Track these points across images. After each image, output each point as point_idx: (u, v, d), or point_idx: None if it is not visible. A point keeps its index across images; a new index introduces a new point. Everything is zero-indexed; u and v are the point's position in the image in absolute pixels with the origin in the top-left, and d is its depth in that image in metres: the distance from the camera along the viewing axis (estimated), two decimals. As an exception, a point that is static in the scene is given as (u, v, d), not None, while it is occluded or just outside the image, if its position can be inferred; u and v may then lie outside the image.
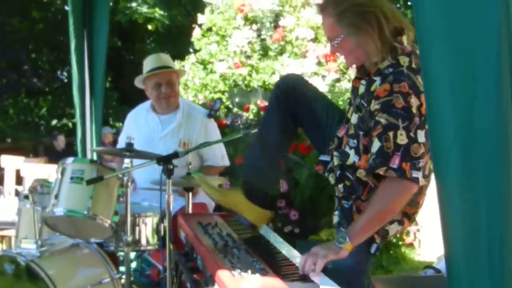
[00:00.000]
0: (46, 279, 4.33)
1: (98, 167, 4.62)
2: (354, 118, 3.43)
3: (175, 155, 4.15)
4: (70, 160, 4.72)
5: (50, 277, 4.34)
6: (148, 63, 5.75)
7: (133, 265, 6.45)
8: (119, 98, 21.38)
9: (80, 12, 7.04)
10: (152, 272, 6.32)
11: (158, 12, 17.40)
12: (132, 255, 6.33)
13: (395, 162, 3.05)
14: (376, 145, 3.13)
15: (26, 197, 5.16)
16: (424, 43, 2.40)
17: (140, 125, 5.84)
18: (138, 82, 5.81)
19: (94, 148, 7.08)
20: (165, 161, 4.12)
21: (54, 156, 13.60)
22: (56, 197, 4.55)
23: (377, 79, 3.28)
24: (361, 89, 3.42)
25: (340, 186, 3.49)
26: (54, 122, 23.07)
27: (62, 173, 4.63)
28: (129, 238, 4.61)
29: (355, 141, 3.40)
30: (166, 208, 4.17)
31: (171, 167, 4.11)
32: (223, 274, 2.82)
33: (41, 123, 23.53)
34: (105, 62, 7.15)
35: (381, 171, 3.09)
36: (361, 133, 3.33)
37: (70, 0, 7.02)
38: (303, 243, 6.25)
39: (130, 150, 4.71)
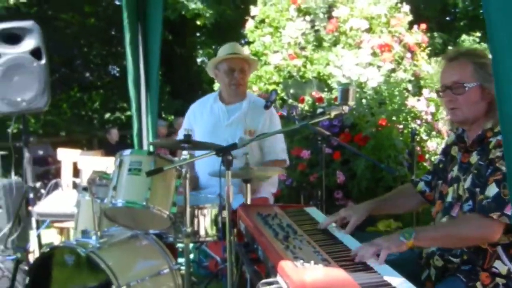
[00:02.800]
0: (107, 269, 4.36)
1: (156, 159, 4.62)
2: (467, 182, 3.41)
3: (234, 146, 4.13)
4: (128, 152, 4.74)
5: (110, 268, 4.37)
6: (224, 49, 5.86)
7: (191, 256, 6.47)
8: (170, 92, 21.51)
9: (134, 5, 7.07)
10: (210, 264, 6.34)
11: (205, 10, 17.44)
12: (191, 246, 6.37)
13: (509, 210, 3.08)
14: (493, 190, 3.17)
15: (85, 189, 5.21)
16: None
17: (205, 114, 5.90)
18: (209, 67, 5.89)
19: (152, 141, 7.10)
20: (224, 152, 4.10)
21: (108, 149, 13.73)
22: (115, 188, 4.57)
23: (493, 140, 3.31)
24: (474, 159, 3.43)
25: None
26: (107, 115, 23.30)
27: (120, 165, 4.64)
28: (188, 229, 4.61)
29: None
30: (225, 199, 4.14)
31: (230, 158, 4.09)
32: (285, 265, 2.80)
33: (94, 116, 23.78)
34: (159, 55, 7.16)
35: (494, 215, 3.12)
36: (477, 189, 3.32)
37: (124, -6, 7.05)
38: (361, 234, 6.20)
39: (188, 142, 4.70)
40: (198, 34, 22.28)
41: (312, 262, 2.78)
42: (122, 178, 4.61)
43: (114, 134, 16.39)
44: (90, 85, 23.06)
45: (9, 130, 6.66)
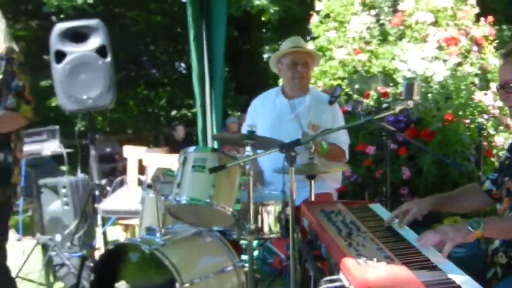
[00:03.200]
0: (171, 266, 4.37)
1: (220, 156, 4.62)
2: None
3: (297, 142, 4.10)
4: (192, 149, 4.75)
5: (174, 265, 4.38)
6: (286, 43, 5.84)
7: (255, 253, 6.46)
8: (236, 88, 21.57)
9: (198, 2, 7.11)
10: (275, 261, 6.32)
11: (269, 5, 17.44)
12: (255, 243, 6.37)
13: None
14: None
15: (149, 186, 5.25)
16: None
17: (268, 109, 5.88)
18: (272, 61, 5.87)
19: (214, 134, 7.13)
20: (288, 148, 4.08)
21: (174, 146, 13.85)
22: (179, 185, 4.58)
23: None
24: None
25: None
26: (173, 112, 23.48)
27: (184, 162, 4.65)
28: (252, 226, 4.59)
29: None
30: (289, 196, 4.12)
31: (293, 154, 4.07)
32: (348, 262, 2.78)
33: (161, 113, 23.99)
34: (223, 51, 7.20)
35: None
36: None
37: (188, -9, 7.09)
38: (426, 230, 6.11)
39: (251, 138, 4.69)
40: (264, 30, 22.31)
41: (375, 259, 2.76)
42: (186, 175, 4.61)
43: (180, 131, 16.52)
44: (157, 82, 23.26)
45: (76, 128, 6.74)
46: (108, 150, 15.85)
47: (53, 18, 12.96)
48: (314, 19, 9.04)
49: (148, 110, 23.80)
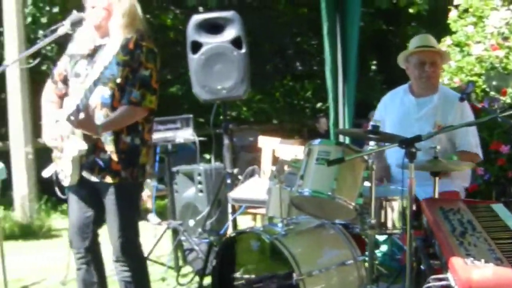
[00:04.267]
0: (289, 257, 4.42)
1: (344, 149, 4.62)
2: None
3: (418, 138, 4.07)
4: (317, 141, 4.79)
5: (293, 256, 4.43)
6: (415, 41, 5.75)
7: (384, 248, 6.44)
8: (383, 81, 21.35)
9: (332, -5, 7.11)
10: (403, 256, 6.27)
11: (419, -3, 17.11)
12: (382, 238, 6.34)
13: None
14: None
15: (276, 176, 5.32)
16: None
17: (395, 107, 5.82)
18: (400, 59, 5.78)
19: (339, 129, 7.13)
20: (408, 144, 4.05)
21: (317, 138, 13.88)
22: (302, 177, 4.63)
23: None
24: None
25: None
26: (318, 105, 23.51)
27: (309, 154, 4.69)
28: (373, 221, 4.57)
29: None
30: (408, 192, 4.09)
31: (414, 150, 4.04)
32: (456, 261, 2.76)
33: (306, 105, 24.07)
34: (357, 45, 7.15)
35: None
36: None
37: (322, -16, 7.10)
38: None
39: (375, 132, 4.68)
40: (412, 24, 21.97)
41: (483, 260, 2.72)
42: (310, 168, 4.66)
43: (323, 123, 16.54)
44: (303, 74, 23.33)
45: (211, 117, 6.90)
46: (251, 139, 16.04)
47: (200, 9, 13.22)
48: (453, 14, 8.86)
49: (294, 102, 23.91)
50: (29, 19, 13.39)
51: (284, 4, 20.23)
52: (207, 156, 9.06)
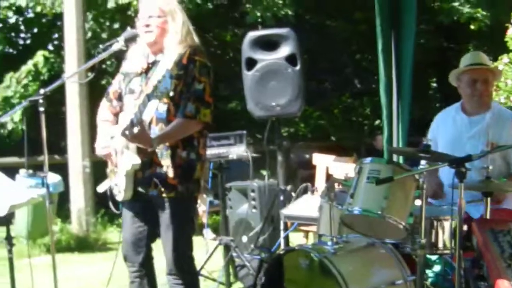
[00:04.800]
0: (338, 276, 4.39)
1: (395, 168, 4.61)
2: None
3: (468, 157, 4.03)
4: (368, 160, 4.79)
5: (342, 275, 4.40)
6: (466, 59, 5.69)
7: (437, 268, 6.36)
8: (444, 98, 21.17)
9: (388, 12, 7.06)
10: (454, 277, 6.19)
11: (481, 12, 16.87)
12: (435, 258, 6.26)
13: None
14: None
15: (326, 194, 5.30)
16: None
17: (448, 125, 5.75)
18: (452, 78, 5.73)
19: (392, 148, 7.08)
20: (458, 163, 4.01)
21: (374, 155, 13.79)
22: (352, 196, 4.63)
23: None
24: None
25: None
26: (377, 122, 23.40)
27: (360, 172, 4.70)
28: (423, 241, 4.53)
29: None
30: (457, 212, 4.05)
31: (464, 170, 3.99)
32: (501, 284, 2.72)
33: (364, 122, 23.98)
34: (412, 62, 7.09)
35: None
36: None
37: (377, 1, 7.06)
38: None
39: (426, 152, 4.64)
40: (471, 41, 21.72)
41: (530, 284, 2.68)
42: (360, 186, 4.66)
43: (379, 141, 16.42)
44: (362, 91, 23.26)
45: (265, 134, 6.92)
46: (307, 156, 16.03)
47: (259, 27, 13.28)
48: (511, 32, 8.75)
49: (352, 119, 23.83)
50: (89, 34, 13.57)
51: (343, 21, 20.16)
52: (263, 173, 9.07)
